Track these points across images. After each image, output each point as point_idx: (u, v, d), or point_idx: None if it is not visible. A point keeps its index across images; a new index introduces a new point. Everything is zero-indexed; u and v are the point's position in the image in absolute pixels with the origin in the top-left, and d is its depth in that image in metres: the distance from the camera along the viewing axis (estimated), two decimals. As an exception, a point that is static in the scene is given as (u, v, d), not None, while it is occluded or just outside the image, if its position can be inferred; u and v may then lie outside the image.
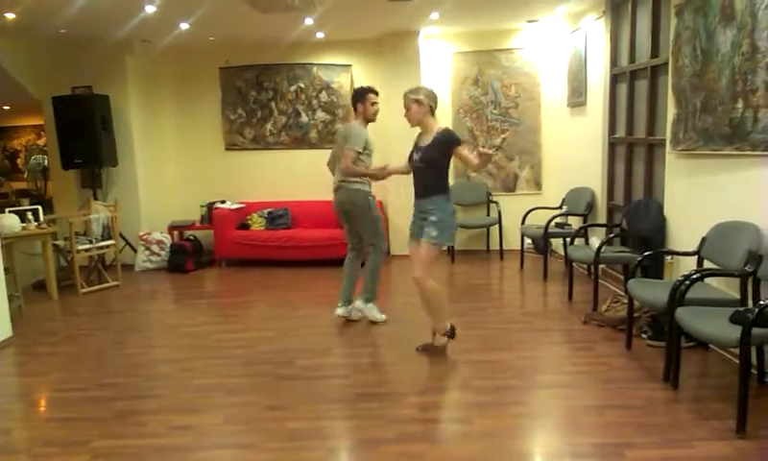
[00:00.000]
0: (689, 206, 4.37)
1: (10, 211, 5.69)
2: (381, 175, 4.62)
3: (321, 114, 7.71)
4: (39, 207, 6.06)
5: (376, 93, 4.82)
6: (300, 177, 7.78)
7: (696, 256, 3.98)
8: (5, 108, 10.64)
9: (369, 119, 4.80)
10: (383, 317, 4.90)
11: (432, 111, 4.08)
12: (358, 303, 4.90)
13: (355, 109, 4.81)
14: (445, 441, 3.12)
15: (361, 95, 4.78)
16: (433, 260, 4.05)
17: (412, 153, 4.17)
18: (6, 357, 4.53)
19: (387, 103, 7.21)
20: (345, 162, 4.65)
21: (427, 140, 4.03)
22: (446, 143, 3.97)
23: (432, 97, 4.09)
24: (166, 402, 3.57)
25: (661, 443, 2.89)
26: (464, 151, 3.98)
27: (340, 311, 4.88)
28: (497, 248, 7.26)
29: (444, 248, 4.04)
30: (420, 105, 4.04)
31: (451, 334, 4.21)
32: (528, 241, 6.98)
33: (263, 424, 3.26)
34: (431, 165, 4.01)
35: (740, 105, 3.64)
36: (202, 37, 6.98)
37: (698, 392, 3.52)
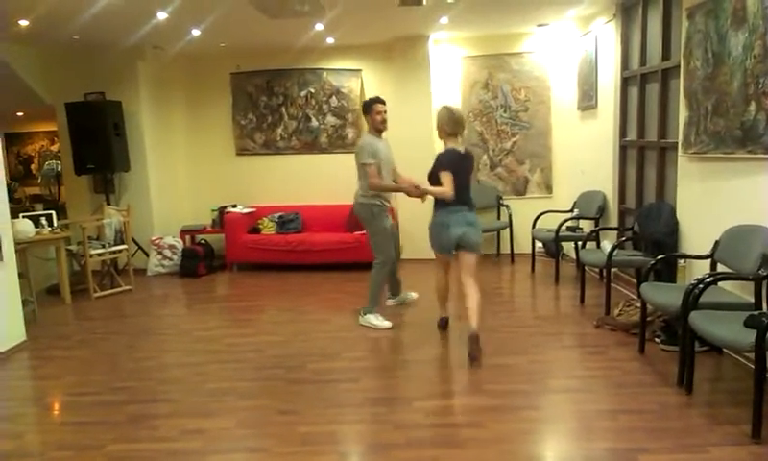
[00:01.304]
0: (702, 209, 4.34)
1: (24, 216, 5.75)
2: (414, 192, 4.57)
3: (331, 119, 7.73)
4: (53, 213, 6.12)
5: (383, 102, 4.94)
6: (310, 181, 7.81)
7: (709, 260, 3.96)
8: (19, 114, 10.74)
9: (377, 129, 4.91)
10: (386, 324, 4.90)
11: (443, 131, 4.34)
12: (360, 319, 5.03)
13: (367, 120, 4.97)
14: (456, 445, 3.12)
15: (367, 106, 4.93)
16: (437, 263, 4.63)
17: None
18: (20, 361, 4.57)
19: (397, 107, 7.27)
20: (369, 181, 4.77)
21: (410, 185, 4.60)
22: (434, 164, 4.31)
23: (440, 116, 4.36)
24: (179, 406, 3.59)
25: (675, 448, 2.87)
26: (442, 178, 4.20)
27: (388, 301, 5.39)
28: (508, 251, 7.25)
29: (441, 252, 4.47)
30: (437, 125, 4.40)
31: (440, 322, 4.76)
32: (539, 245, 6.96)
33: (275, 429, 3.27)
34: (431, 180, 4.37)
35: (752, 108, 3.62)
36: (213, 44, 7.03)
37: (712, 397, 3.49)
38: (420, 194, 4.53)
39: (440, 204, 4.33)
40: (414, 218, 7.14)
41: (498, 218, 7.45)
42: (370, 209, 4.90)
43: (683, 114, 4.46)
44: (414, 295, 5.47)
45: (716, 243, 3.93)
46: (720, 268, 3.89)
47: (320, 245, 7.04)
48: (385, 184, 4.84)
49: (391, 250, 5.03)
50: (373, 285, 5.00)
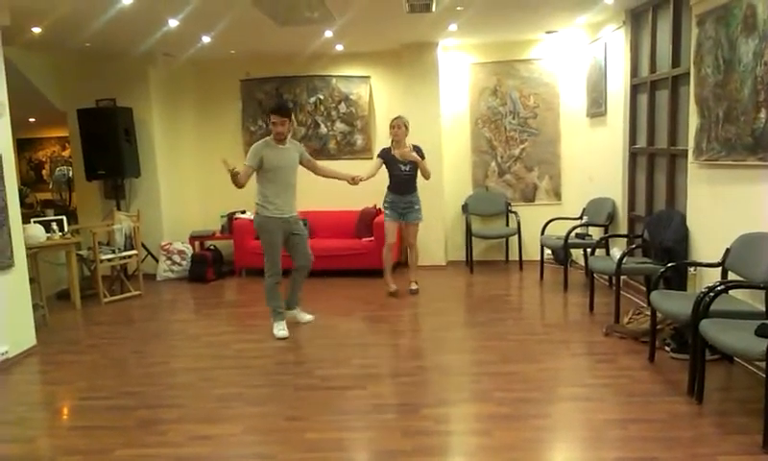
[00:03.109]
0: (713, 216, 4.31)
1: (35, 222, 5.79)
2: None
3: (340, 125, 7.75)
4: (64, 218, 6.16)
5: (279, 114, 4.85)
6: (318, 187, 7.73)
7: (720, 268, 3.93)
8: (30, 120, 10.82)
9: (275, 138, 4.88)
10: (281, 334, 4.89)
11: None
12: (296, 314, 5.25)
13: None
14: (464, 454, 3.11)
15: (267, 114, 4.98)
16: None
17: (396, 165, 5.80)
18: (30, 366, 4.60)
19: (405, 114, 7.21)
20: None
21: (408, 155, 5.73)
22: (422, 154, 5.86)
23: (408, 124, 5.87)
24: (187, 412, 3.60)
25: (685, 458, 2.85)
26: (426, 163, 5.91)
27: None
28: (516, 258, 7.23)
29: None
30: (406, 128, 5.80)
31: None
32: (548, 252, 6.93)
33: (282, 435, 3.27)
34: (415, 171, 5.86)
35: (763, 115, 3.59)
36: (223, 51, 7.07)
37: (723, 406, 3.45)
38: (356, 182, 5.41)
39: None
40: (422, 226, 7.14)
41: (507, 225, 7.43)
42: (258, 220, 4.92)
43: (694, 121, 4.44)
44: (309, 317, 5.30)
45: (727, 251, 3.90)
46: (731, 276, 3.86)
47: (328, 251, 7.03)
48: (238, 182, 4.78)
49: (277, 264, 4.90)
50: (265, 294, 4.98)
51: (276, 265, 4.92)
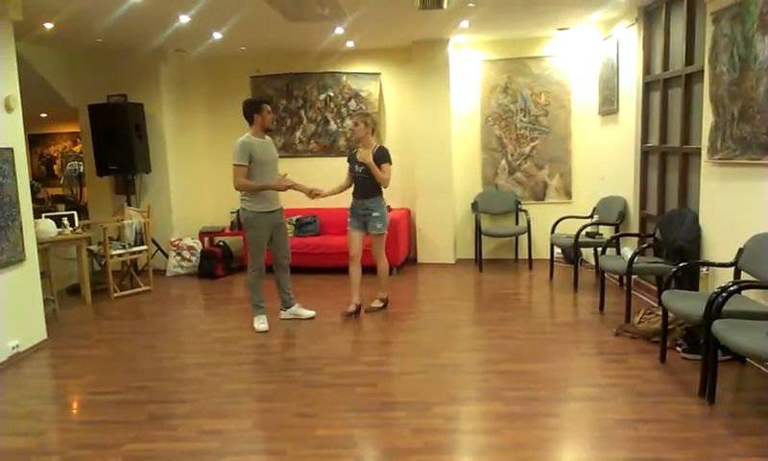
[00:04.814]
0: (726, 215, 4.27)
1: (46, 217, 5.83)
2: (280, 186, 4.98)
3: (349, 122, 7.73)
4: (75, 213, 6.20)
5: (269, 103, 5.12)
6: (328, 184, 7.74)
7: (733, 268, 3.89)
8: (42, 115, 10.90)
9: (268, 128, 5.04)
10: (262, 327, 5.00)
11: (372, 132, 5.25)
12: (282, 313, 5.33)
13: (252, 120, 4.96)
14: (474, 452, 3.09)
15: (257, 105, 4.99)
16: (384, 245, 5.35)
17: (353, 166, 5.27)
18: (41, 360, 4.63)
19: (416, 111, 7.27)
20: (234, 180, 4.87)
21: (367, 156, 5.12)
22: (379, 158, 5.12)
23: (375, 122, 5.38)
24: (196, 407, 3.61)
25: (697, 459, 2.82)
26: (386, 168, 5.16)
27: (281, 314, 5.34)
28: (526, 257, 7.19)
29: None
30: (366, 125, 5.17)
31: (385, 303, 5.51)
32: (558, 251, 6.89)
33: (292, 431, 3.27)
34: (371, 175, 5.13)
35: (780, 113, 3.55)
36: (233, 47, 7.08)
37: (735, 407, 3.42)
38: (314, 196, 5.21)
39: (381, 189, 5.25)
40: (431, 223, 7.15)
41: (517, 223, 7.40)
42: (246, 215, 4.94)
43: (708, 120, 4.40)
44: (309, 313, 5.34)
45: (740, 250, 3.86)
46: (744, 276, 3.82)
47: (337, 248, 7.03)
48: (249, 183, 4.85)
49: (261, 259, 5.00)
50: (248, 288, 5.11)
51: (260, 260, 5.01)
